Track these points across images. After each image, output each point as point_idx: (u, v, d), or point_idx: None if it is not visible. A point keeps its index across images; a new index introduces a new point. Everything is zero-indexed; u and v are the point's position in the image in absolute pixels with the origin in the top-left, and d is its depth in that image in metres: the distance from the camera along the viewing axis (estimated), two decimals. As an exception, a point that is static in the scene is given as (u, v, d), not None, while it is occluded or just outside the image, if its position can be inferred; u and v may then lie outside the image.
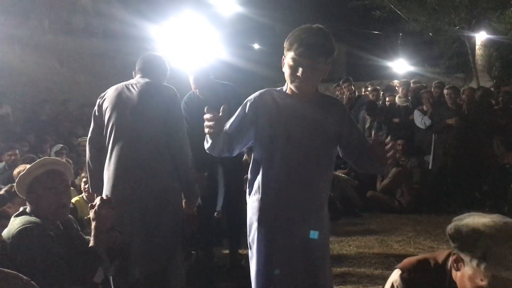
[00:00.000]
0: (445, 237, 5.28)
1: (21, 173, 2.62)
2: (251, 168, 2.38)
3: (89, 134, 3.33)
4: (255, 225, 2.32)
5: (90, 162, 3.32)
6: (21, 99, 9.93)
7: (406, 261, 1.85)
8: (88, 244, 2.60)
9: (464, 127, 7.08)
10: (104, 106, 3.24)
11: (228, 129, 2.28)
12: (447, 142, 7.19)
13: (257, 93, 2.33)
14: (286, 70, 2.22)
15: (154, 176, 3.09)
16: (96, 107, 3.30)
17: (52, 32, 10.64)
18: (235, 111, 2.34)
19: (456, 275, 1.68)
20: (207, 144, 2.23)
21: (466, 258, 1.62)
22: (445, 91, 7.46)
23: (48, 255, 2.38)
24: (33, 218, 2.48)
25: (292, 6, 11.68)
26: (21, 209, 2.61)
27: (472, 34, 10.82)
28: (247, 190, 2.41)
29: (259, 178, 2.31)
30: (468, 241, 1.61)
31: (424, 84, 9.32)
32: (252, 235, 2.34)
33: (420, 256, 1.86)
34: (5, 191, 3.89)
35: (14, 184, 2.73)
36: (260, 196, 2.30)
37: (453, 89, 7.41)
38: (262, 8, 10.49)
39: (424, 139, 7.67)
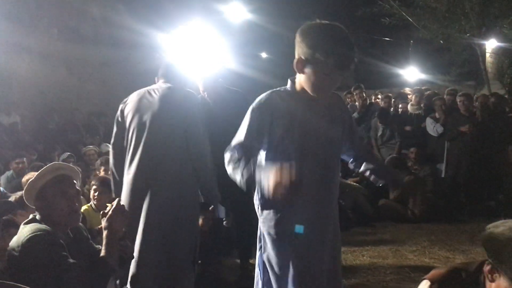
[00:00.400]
0: (461, 247, 5.19)
1: (31, 179, 2.56)
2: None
3: (112, 139, 3.38)
4: (272, 240, 2.18)
5: (113, 168, 3.35)
6: (30, 107, 9.92)
7: (435, 272, 1.74)
8: (99, 253, 2.52)
9: (478, 135, 6.95)
10: (126, 111, 3.30)
11: (248, 142, 2.15)
12: (461, 150, 7.07)
13: (263, 97, 2.21)
14: (316, 78, 2.08)
15: (173, 181, 3.10)
16: (118, 112, 3.37)
17: (60, 41, 10.64)
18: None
19: (490, 286, 1.57)
20: (237, 179, 2.08)
21: (502, 268, 1.51)
22: (458, 98, 7.35)
23: (58, 263, 2.30)
24: (43, 226, 2.41)
25: (300, 13, 11.63)
26: (30, 216, 2.54)
27: (483, 42, 10.73)
28: (257, 202, 2.26)
29: None
30: (505, 251, 1.50)
31: (436, 91, 9.22)
32: (268, 250, 2.20)
33: (450, 266, 1.75)
34: (15, 199, 3.82)
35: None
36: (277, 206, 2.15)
37: (466, 96, 7.30)
38: (271, 16, 10.46)
39: (436, 147, 7.56)
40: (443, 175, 7.42)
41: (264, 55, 14.90)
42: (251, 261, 4.50)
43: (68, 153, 6.82)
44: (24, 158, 6.28)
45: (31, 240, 2.31)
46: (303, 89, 2.16)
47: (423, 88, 9.86)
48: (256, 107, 2.19)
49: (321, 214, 2.20)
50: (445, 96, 7.99)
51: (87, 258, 2.53)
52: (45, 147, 7.90)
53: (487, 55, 11.44)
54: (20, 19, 10.04)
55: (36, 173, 2.64)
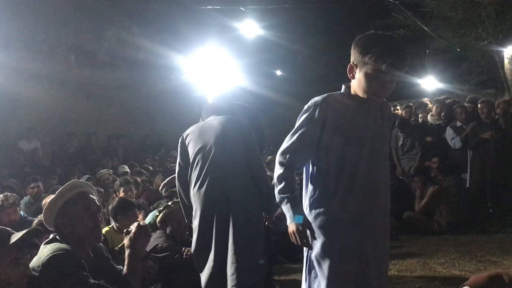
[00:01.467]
0: (491, 258, 5.02)
1: (51, 198, 2.57)
2: (313, 180, 2.27)
3: (177, 169, 3.61)
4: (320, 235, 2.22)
5: (182, 196, 3.55)
6: (49, 133, 10.06)
7: (476, 278, 1.65)
8: (120, 273, 2.48)
9: (501, 141, 6.79)
10: (187, 141, 3.54)
11: (302, 148, 2.24)
12: (484, 158, 6.90)
13: (320, 98, 2.25)
14: (366, 80, 2.16)
15: (239, 205, 3.29)
16: (179, 144, 3.60)
17: (78, 67, 10.84)
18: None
19: None
20: (277, 188, 2.27)
21: None
22: (479, 105, 7.21)
23: (79, 283, 2.28)
24: (64, 245, 2.40)
25: (315, 29, 11.66)
26: (51, 236, 2.53)
27: (501, 49, 10.57)
28: (309, 205, 2.27)
29: (329, 190, 2.22)
30: None
31: (457, 99, 9.08)
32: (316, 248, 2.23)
33: (491, 272, 1.66)
34: (37, 223, 3.80)
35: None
36: (334, 209, 2.21)
37: (487, 103, 7.16)
38: (285, 32, 10.47)
39: (459, 157, 7.39)
40: (467, 185, 7.23)
41: (278, 72, 14.92)
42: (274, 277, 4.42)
43: (87, 175, 6.85)
44: (40, 182, 6.33)
45: (52, 260, 2.29)
46: (356, 93, 2.24)
47: (442, 97, 9.72)
48: (311, 106, 2.24)
49: (371, 217, 2.23)
50: (466, 104, 7.85)
51: (108, 278, 2.49)
52: (65, 171, 7.95)
53: (506, 61, 11.25)
54: (40, 48, 10.26)
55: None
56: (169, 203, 4.05)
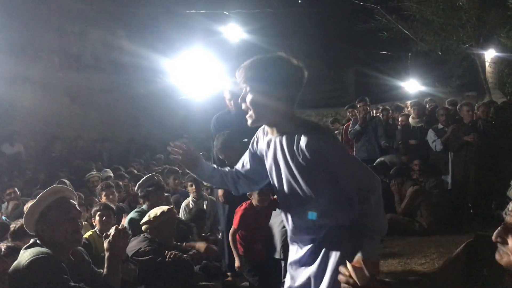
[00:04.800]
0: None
1: (31, 203, 2.60)
2: None
3: None
4: None
5: None
6: (33, 137, 9.99)
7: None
8: (101, 276, 2.51)
9: (482, 144, 6.90)
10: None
11: None
12: (466, 160, 7.01)
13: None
14: None
15: None
16: None
17: (62, 70, 10.79)
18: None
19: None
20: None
21: None
22: (460, 108, 7.34)
23: (60, 287, 2.30)
24: (44, 249, 2.42)
25: (299, 33, 11.74)
26: (31, 241, 2.55)
27: (481, 52, 10.75)
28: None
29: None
30: None
31: (437, 104, 9.23)
32: None
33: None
34: (15, 228, 3.79)
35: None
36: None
37: (468, 106, 7.29)
38: (269, 36, 10.54)
39: (440, 159, 7.50)
40: (449, 187, 7.35)
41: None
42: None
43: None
44: (16, 188, 6.31)
45: (32, 263, 2.31)
46: None
47: (426, 99, 9.87)
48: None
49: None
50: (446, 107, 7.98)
51: (89, 282, 2.52)
52: (48, 175, 7.91)
53: (487, 64, 11.45)
54: (24, 51, 10.18)
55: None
56: (165, 210, 3.91)
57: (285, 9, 10.66)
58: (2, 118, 9.36)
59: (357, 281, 1.65)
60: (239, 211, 4.12)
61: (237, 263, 4.12)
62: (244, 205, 4.14)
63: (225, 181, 2.45)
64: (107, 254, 2.49)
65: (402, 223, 6.67)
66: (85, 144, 10.63)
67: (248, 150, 2.42)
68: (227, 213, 4.71)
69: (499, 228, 1.54)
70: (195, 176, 2.54)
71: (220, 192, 4.74)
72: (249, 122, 2.18)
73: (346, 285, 1.68)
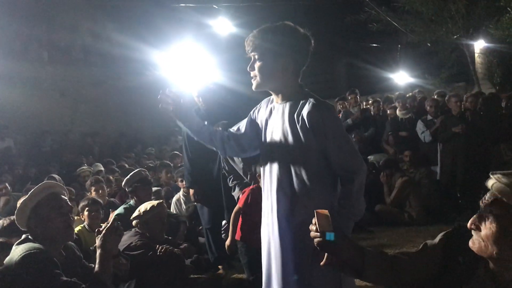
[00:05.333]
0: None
1: (23, 199, 2.62)
2: None
3: None
4: None
5: None
6: (23, 131, 9.95)
7: None
8: (92, 271, 2.53)
9: (470, 134, 6.97)
10: None
11: None
12: (455, 151, 7.07)
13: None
14: None
15: None
16: None
17: (51, 64, 10.72)
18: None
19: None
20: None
21: None
22: (448, 99, 7.39)
23: (53, 281, 2.33)
24: (36, 244, 2.44)
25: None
26: (23, 236, 2.57)
27: (471, 42, 10.82)
28: None
29: None
30: None
31: (426, 96, 9.29)
32: None
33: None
34: (5, 224, 3.80)
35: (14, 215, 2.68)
36: None
37: (456, 97, 7.34)
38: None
39: (429, 150, 7.56)
40: (438, 177, 7.42)
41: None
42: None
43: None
44: (6, 183, 6.29)
45: (25, 259, 2.33)
46: None
47: (415, 91, 9.92)
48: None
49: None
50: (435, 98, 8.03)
51: (80, 277, 2.54)
52: (39, 169, 7.89)
53: (476, 55, 11.52)
54: (12, 46, 10.11)
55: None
56: (154, 204, 3.94)
57: (274, 2, 10.65)
58: (-9, 112, 9.31)
59: (318, 227, 1.65)
60: (246, 191, 4.03)
61: (228, 242, 4.05)
62: (252, 186, 4.10)
63: (213, 139, 2.41)
64: (98, 251, 2.51)
65: (391, 214, 6.75)
66: (76, 138, 10.61)
67: (248, 116, 2.43)
68: (206, 211, 4.77)
69: (474, 215, 1.60)
70: (183, 126, 2.40)
71: (191, 191, 4.81)
72: (253, 85, 2.23)
73: (313, 233, 1.68)
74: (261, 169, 2.37)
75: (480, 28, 10.72)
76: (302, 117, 2.12)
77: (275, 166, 2.23)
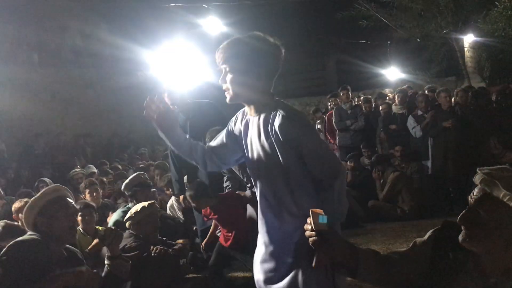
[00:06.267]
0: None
1: (34, 198, 2.83)
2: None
3: None
4: None
5: None
6: (15, 134, 9.90)
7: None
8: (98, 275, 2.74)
9: (460, 129, 7.04)
10: None
11: None
12: (445, 145, 7.15)
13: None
14: None
15: None
16: None
17: (41, 66, 10.66)
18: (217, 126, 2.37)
19: None
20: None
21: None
22: (438, 94, 7.46)
23: (41, 271, 2.50)
24: (33, 236, 2.65)
25: (279, 24, 11.73)
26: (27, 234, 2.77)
27: (460, 37, 10.90)
28: None
29: None
30: None
31: (416, 91, 9.34)
32: None
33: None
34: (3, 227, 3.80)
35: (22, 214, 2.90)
36: None
37: (446, 92, 7.41)
38: (249, 29, 10.42)
39: (420, 144, 7.62)
40: (429, 172, 7.49)
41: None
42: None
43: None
44: (0, 188, 6.27)
45: (16, 244, 2.54)
46: None
47: (405, 86, 9.98)
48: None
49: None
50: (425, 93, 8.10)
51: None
52: (32, 172, 7.87)
53: (465, 49, 11.61)
54: (1, 49, 10.04)
55: (26, 199, 3.07)
56: (145, 205, 3.99)
57: (263, 0, 10.66)
58: (-18, 116, 9.26)
59: (313, 226, 1.68)
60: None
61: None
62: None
63: (193, 153, 2.39)
64: (107, 261, 2.79)
65: (384, 209, 6.82)
66: (68, 140, 10.56)
67: (225, 128, 2.42)
68: (198, 213, 4.81)
69: (463, 211, 1.63)
70: (163, 137, 2.36)
71: (181, 197, 4.85)
72: (227, 99, 2.23)
73: (308, 233, 1.71)
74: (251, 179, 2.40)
75: (469, 22, 10.80)
76: (275, 130, 2.12)
77: (259, 179, 2.26)
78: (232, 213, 4.18)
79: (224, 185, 4.46)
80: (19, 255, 2.50)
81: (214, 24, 8.84)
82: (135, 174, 4.96)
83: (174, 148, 2.41)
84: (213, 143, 2.46)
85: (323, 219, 1.67)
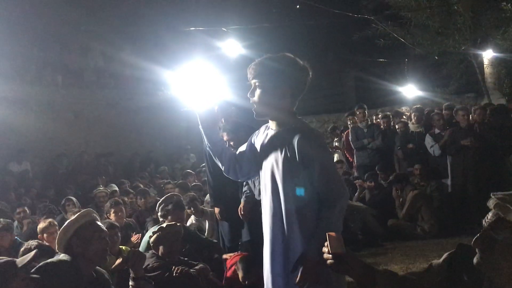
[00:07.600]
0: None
1: (69, 221, 2.92)
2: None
3: None
4: None
5: None
6: (39, 154, 10.14)
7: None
8: None
9: (479, 147, 6.99)
10: None
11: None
12: (465, 164, 7.10)
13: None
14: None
15: None
16: None
17: (65, 87, 10.95)
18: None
19: None
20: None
21: None
22: (456, 112, 7.44)
23: None
24: (65, 257, 2.74)
25: (296, 43, 11.86)
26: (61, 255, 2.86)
27: (479, 52, 10.83)
28: None
29: None
30: None
31: (433, 109, 9.32)
32: None
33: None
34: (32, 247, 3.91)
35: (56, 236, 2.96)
36: None
37: (464, 110, 7.39)
38: (267, 50, 10.56)
39: (440, 163, 7.60)
40: (449, 190, 7.44)
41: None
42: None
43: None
44: (26, 207, 6.43)
45: (49, 264, 2.66)
46: None
47: (419, 106, 9.97)
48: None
49: None
50: (443, 111, 8.08)
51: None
52: (56, 191, 8.05)
53: (485, 66, 11.52)
54: (27, 71, 10.36)
55: (50, 219, 2.98)
56: (163, 225, 4.11)
57: (281, 23, 10.81)
58: (8, 137, 9.51)
59: (329, 249, 1.77)
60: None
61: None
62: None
63: (223, 154, 2.53)
64: (131, 283, 2.80)
65: (404, 228, 6.79)
66: (90, 159, 10.77)
67: (248, 140, 2.57)
68: (228, 230, 4.84)
69: (478, 235, 1.68)
70: (203, 132, 2.51)
71: (216, 210, 4.89)
72: (254, 114, 2.40)
73: (326, 255, 1.79)
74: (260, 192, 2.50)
75: (487, 38, 10.74)
76: (292, 146, 2.25)
77: (268, 192, 2.37)
78: None
79: (243, 190, 4.54)
80: (52, 275, 2.59)
81: (233, 47, 9.01)
82: (169, 194, 5.02)
83: (209, 144, 2.52)
84: (237, 152, 2.59)
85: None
